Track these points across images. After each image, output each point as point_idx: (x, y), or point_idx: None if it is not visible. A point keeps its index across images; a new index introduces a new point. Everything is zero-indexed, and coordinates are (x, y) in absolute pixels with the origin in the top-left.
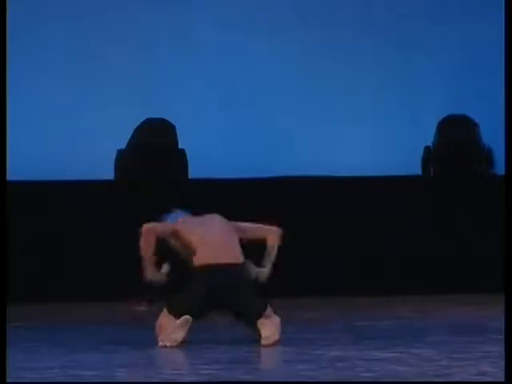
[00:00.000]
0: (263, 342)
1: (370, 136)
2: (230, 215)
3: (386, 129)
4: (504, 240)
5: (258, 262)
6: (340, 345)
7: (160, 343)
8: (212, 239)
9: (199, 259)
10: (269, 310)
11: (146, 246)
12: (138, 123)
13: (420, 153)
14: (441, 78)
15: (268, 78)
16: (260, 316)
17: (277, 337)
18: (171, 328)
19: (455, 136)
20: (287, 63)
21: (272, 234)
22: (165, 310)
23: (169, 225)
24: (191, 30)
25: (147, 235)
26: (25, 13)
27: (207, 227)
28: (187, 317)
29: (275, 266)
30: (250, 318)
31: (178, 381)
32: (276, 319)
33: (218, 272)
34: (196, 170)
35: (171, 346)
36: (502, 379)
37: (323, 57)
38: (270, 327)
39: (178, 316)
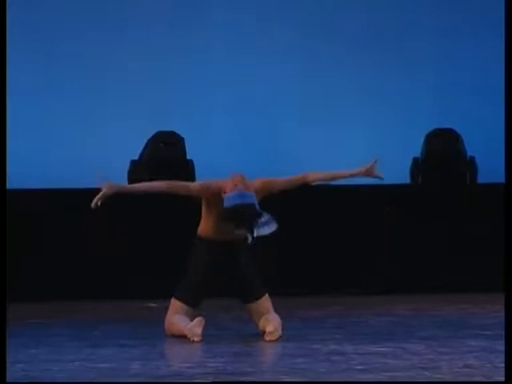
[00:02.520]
0: (267, 337)
1: (362, 147)
2: None
3: (377, 141)
4: (504, 240)
5: None
6: (335, 340)
7: (194, 339)
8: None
9: (204, 231)
10: (270, 305)
11: (150, 186)
12: (150, 136)
13: (409, 163)
14: (429, 93)
15: (272, 90)
16: (258, 298)
17: (280, 332)
18: (190, 325)
19: (441, 148)
20: (290, 78)
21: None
22: (172, 302)
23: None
24: (202, 46)
25: (162, 183)
26: (39, 22)
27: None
28: (200, 318)
29: (276, 264)
30: (247, 296)
31: (186, 373)
32: (277, 316)
33: (220, 246)
34: (203, 178)
35: (198, 341)
36: (487, 372)
37: (322, 71)
38: (273, 323)
39: (184, 300)
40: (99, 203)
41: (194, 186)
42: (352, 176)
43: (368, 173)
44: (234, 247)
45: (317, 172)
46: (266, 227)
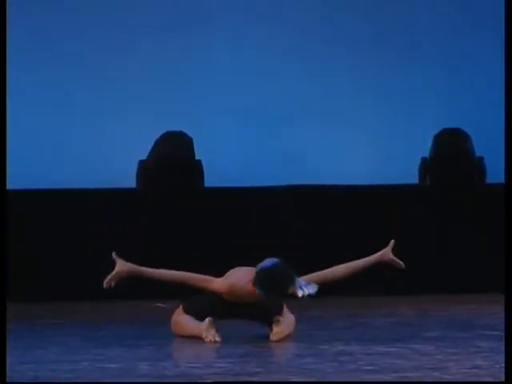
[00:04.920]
0: (272, 337)
1: (370, 147)
2: (238, 220)
3: (385, 140)
4: (504, 241)
5: None
6: (343, 340)
7: (209, 339)
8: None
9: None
10: (284, 309)
11: (168, 275)
12: (158, 136)
13: (417, 163)
14: (438, 93)
15: (284, 90)
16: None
17: (285, 333)
18: (204, 326)
19: (450, 148)
20: (295, 80)
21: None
22: (180, 309)
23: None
24: (208, 48)
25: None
26: (39, 22)
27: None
28: (211, 318)
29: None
30: (264, 322)
31: (194, 373)
32: (290, 317)
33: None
34: (211, 179)
35: (218, 341)
36: (495, 372)
37: (327, 71)
38: (281, 324)
39: (193, 315)
40: (112, 284)
41: (219, 286)
42: (370, 263)
43: (384, 257)
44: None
45: (336, 270)
46: (310, 287)
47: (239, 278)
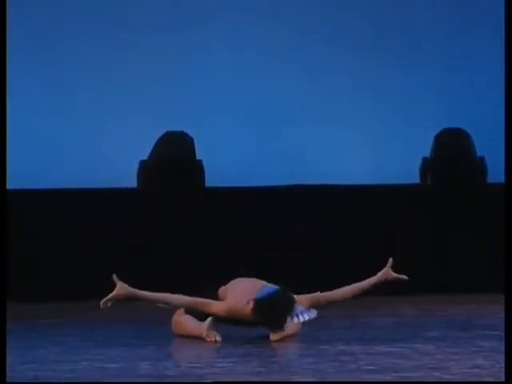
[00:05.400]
0: (271, 337)
1: (371, 146)
2: (238, 220)
3: (386, 141)
4: (504, 241)
5: None
6: (344, 340)
7: (210, 339)
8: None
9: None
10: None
11: (167, 298)
12: (159, 136)
13: (418, 163)
14: (438, 93)
15: (285, 90)
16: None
17: (286, 333)
18: (205, 326)
19: (451, 148)
20: (295, 80)
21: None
22: (181, 309)
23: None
24: (208, 48)
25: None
26: (39, 22)
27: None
28: (211, 318)
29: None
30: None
31: (195, 373)
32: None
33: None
34: (212, 178)
35: (219, 341)
36: (496, 372)
37: (327, 71)
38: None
39: (193, 315)
40: (109, 304)
41: (218, 310)
42: (372, 284)
43: (386, 277)
44: None
45: (338, 292)
46: (310, 313)
47: (238, 298)
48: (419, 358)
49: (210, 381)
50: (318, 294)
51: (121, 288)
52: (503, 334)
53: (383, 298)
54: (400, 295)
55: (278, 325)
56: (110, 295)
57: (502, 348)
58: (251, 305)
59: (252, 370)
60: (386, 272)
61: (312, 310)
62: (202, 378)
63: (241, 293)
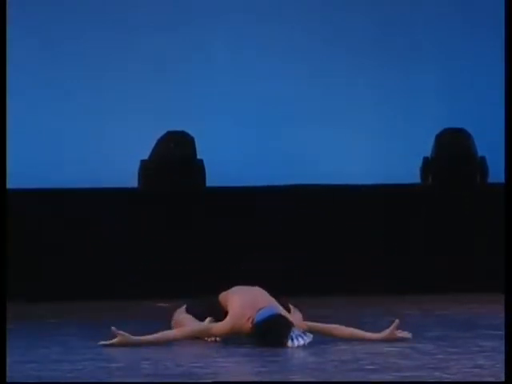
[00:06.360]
0: None
1: (372, 146)
2: (238, 220)
3: (386, 141)
4: (504, 241)
5: None
6: (344, 340)
7: (210, 338)
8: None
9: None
10: (292, 310)
11: (168, 336)
12: (160, 135)
13: (418, 163)
14: (438, 93)
15: (286, 90)
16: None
17: None
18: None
19: (451, 148)
20: (295, 80)
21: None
22: (181, 308)
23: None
24: (208, 48)
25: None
26: (39, 22)
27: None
28: (210, 318)
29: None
30: None
31: (196, 373)
32: (298, 315)
33: None
34: (212, 178)
35: (219, 341)
36: (497, 372)
37: (327, 71)
38: None
39: (193, 315)
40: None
41: (220, 332)
42: (373, 339)
43: (390, 337)
44: None
45: (340, 329)
46: (306, 337)
47: (238, 314)
48: (420, 357)
49: (209, 381)
50: (319, 324)
51: (121, 340)
52: (503, 334)
53: (383, 297)
54: (400, 295)
55: (275, 347)
56: (111, 342)
57: (503, 348)
58: (250, 323)
59: (252, 370)
60: (391, 333)
61: (308, 334)
62: (202, 378)
63: (241, 308)
